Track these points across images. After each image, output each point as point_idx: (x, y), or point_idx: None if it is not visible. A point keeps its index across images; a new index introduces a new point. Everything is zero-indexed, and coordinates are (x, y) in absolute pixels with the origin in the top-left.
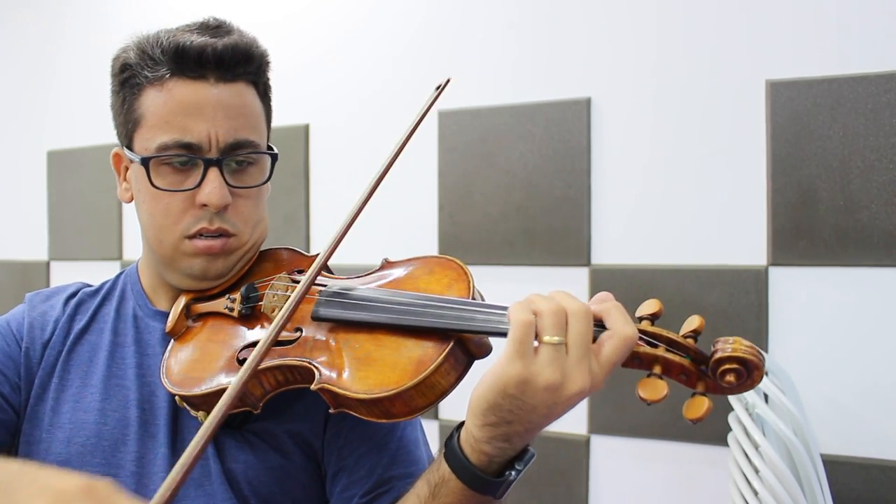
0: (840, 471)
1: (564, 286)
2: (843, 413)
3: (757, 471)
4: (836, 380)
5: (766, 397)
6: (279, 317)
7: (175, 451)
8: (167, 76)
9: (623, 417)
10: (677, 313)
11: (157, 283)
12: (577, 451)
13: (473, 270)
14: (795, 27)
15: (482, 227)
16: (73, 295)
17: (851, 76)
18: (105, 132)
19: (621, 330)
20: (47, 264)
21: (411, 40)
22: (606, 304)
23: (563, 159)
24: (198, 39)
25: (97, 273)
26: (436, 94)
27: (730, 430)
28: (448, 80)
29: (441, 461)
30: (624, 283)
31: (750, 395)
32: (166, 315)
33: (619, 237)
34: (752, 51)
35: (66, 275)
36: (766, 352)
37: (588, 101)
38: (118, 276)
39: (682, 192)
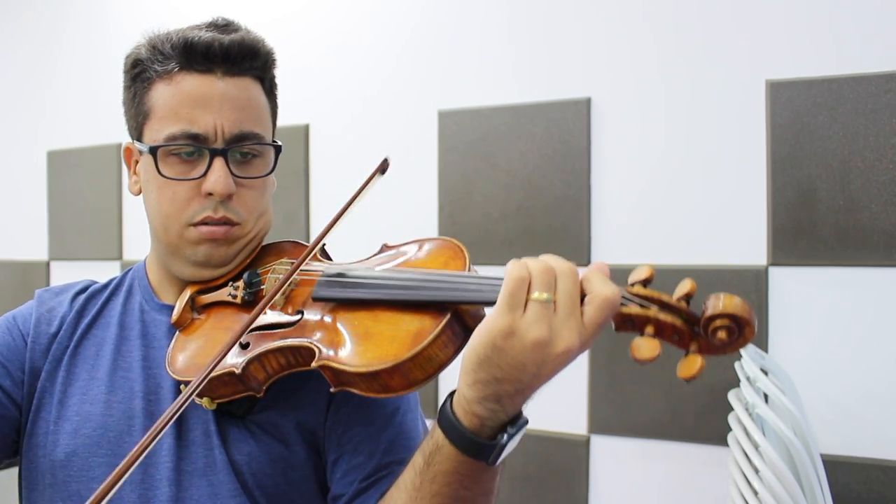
0: (840, 471)
1: None
2: (843, 413)
3: (757, 471)
4: (836, 380)
5: (766, 397)
6: (272, 290)
7: (181, 441)
8: (175, 70)
9: (623, 417)
10: None
11: (163, 277)
12: (577, 451)
13: None
14: (795, 27)
15: (482, 227)
16: (82, 291)
17: (851, 76)
18: (104, 132)
19: (600, 291)
20: (47, 264)
21: (411, 39)
22: (586, 272)
23: (563, 159)
24: (206, 35)
25: (97, 273)
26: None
27: (730, 430)
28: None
29: (435, 428)
30: (624, 283)
31: (750, 395)
32: (172, 308)
33: (619, 237)
34: (751, 51)
35: (66, 275)
36: (766, 352)
37: (588, 101)
38: (126, 272)
39: (682, 191)
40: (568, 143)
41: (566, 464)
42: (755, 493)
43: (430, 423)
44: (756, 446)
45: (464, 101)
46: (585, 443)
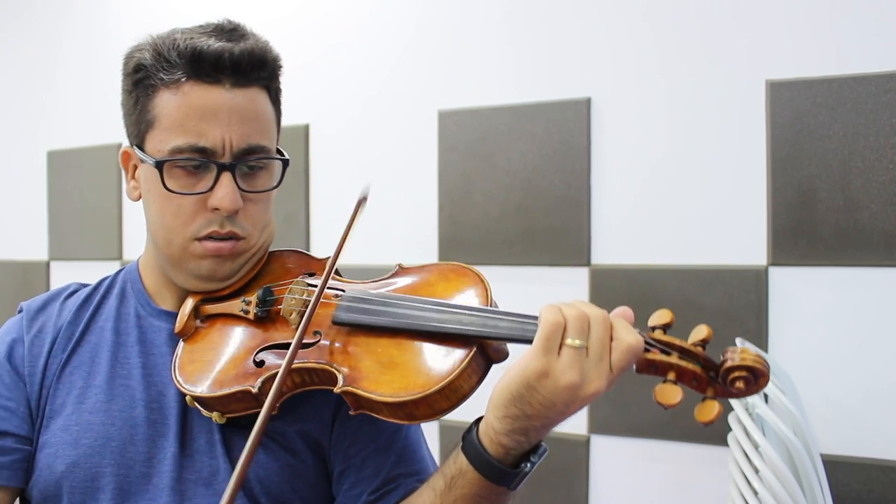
0: (840, 471)
1: (564, 286)
2: (843, 413)
3: (757, 471)
4: (836, 380)
5: (766, 397)
6: (301, 326)
7: (185, 449)
8: (182, 79)
9: (623, 417)
10: (678, 313)
11: (161, 283)
12: (577, 451)
13: None
14: (795, 27)
15: (482, 227)
16: (71, 295)
17: (851, 76)
18: (104, 132)
19: (625, 339)
20: (47, 264)
21: (411, 40)
22: (612, 319)
23: (563, 159)
24: (215, 44)
25: (97, 273)
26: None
27: (730, 430)
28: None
29: (458, 454)
30: (624, 283)
31: (750, 396)
32: (171, 315)
33: (619, 237)
34: (752, 51)
35: (66, 275)
36: (766, 352)
37: (588, 101)
38: (116, 274)
39: (683, 192)
40: (568, 143)
41: (566, 464)
42: (755, 493)
43: (428, 425)
44: (756, 446)
45: (464, 101)
46: (585, 443)
